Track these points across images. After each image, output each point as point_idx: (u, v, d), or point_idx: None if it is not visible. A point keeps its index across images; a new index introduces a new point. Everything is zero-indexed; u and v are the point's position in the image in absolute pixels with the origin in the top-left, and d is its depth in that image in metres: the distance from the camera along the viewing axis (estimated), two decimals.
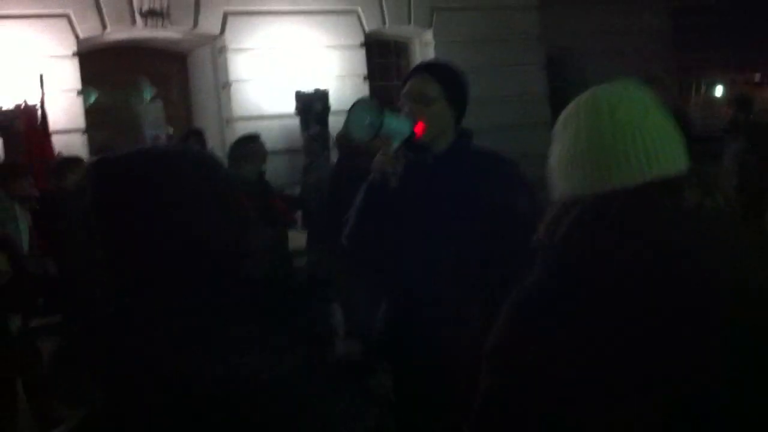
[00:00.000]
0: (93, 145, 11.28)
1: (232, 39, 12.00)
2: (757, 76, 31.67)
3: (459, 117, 2.92)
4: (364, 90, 12.86)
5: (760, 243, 1.44)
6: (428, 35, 13.71)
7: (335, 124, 8.32)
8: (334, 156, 8.92)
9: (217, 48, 12.22)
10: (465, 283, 2.66)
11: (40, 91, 8.60)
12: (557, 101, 12.38)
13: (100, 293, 1.15)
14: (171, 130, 9.95)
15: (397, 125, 2.71)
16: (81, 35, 11.01)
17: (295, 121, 11.75)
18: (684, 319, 1.28)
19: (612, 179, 1.39)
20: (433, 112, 2.79)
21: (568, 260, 1.37)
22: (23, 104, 8.76)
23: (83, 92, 11.23)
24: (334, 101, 11.89)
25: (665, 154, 1.39)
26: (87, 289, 1.18)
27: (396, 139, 2.69)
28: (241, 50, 12.05)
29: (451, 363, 2.47)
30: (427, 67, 2.95)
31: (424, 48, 13.85)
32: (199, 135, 8.38)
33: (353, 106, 2.72)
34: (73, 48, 10.98)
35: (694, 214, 1.34)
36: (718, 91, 22.13)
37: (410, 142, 2.75)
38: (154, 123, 9.47)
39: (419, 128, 2.75)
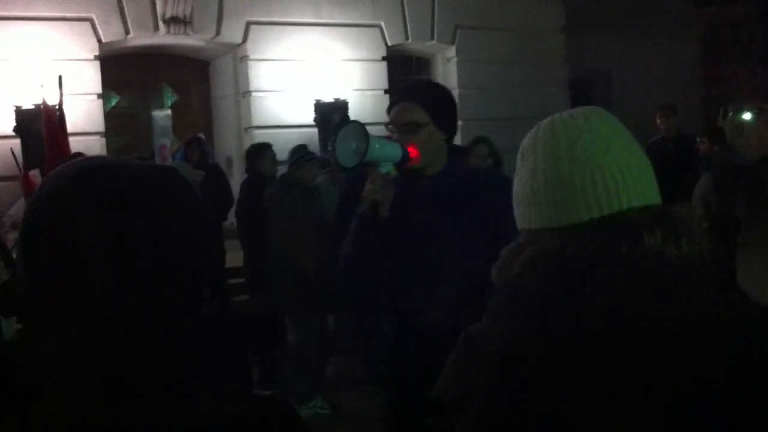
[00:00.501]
0: (111, 149, 11.34)
1: (253, 48, 12.04)
2: None
3: (450, 136, 2.81)
4: (383, 103, 12.80)
5: (726, 300, 1.27)
6: (451, 52, 13.67)
7: None
8: None
9: (238, 57, 12.27)
10: (467, 306, 2.58)
11: (59, 92, 8.62)
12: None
13: (98, 295, 1.09)
14: (174, 140, 9.89)
15: (386, 151, 2.60)
16: (104, 39, 11.09)
17: (314, 131, 11.73)
18: (621, 390, 1.17)
19: (568, 219, 1.30)
20: (422, 138, 2.69)
21: (518, 306, 1.28)
22: (42, 104, 8.78)
23: (104, 96, 11.30)
24: (353, 114, 11.87)
25: (628, 193, 1.29)
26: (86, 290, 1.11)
27: (385, 166, 2.59)
28: (262, 60, 12.09)
29: None
30: (410, 93, 2.80)
31: (446, 64, 13.83)
32: (199, 142, 8.37)
33: (340, 131, 2.62)
34: (95, 52, 11.06)
35: (652, 263, 1.23)
36: (746, 116, 21.97)
37: (405, 168, 2.67)
38: (161, 132, 9.44)
39: (413, 154, 2.65)
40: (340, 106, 11.76)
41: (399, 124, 2.73)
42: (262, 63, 12.10)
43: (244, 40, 12.02)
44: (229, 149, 12.62)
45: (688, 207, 1.31)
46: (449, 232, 2.67)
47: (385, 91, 12.90)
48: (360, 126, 2.58)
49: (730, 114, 24.65)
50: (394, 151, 2.62)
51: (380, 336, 3.00)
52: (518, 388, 1.21)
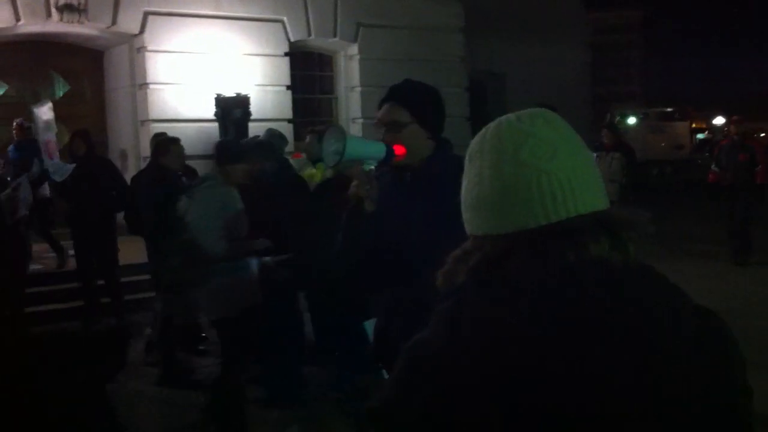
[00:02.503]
0: None
1: (151, 39, 11.70)
2: (670, 111, 33.00)
3: (435, 131, 2.99)
4: (286, 99, 12.73)
5: (672, 305, 1.27)
6: (353, 49, 13.68)
7: (255, 131, 8.18)
8: None
9: (135, 47, 11.91)
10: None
11: None
12: (478, 124, 12.44)
13: None
14: (61, 132, 9.46)
15: (367, 150, 2.80)
16: None
17: (214, 126, 11.52)
18: (561, 403, 1.16)
19: (513, 226, 1.28)
20: (405, 136, 2.89)
21: (460, 315, 1.25)
22: None
23: None
24: (254, 109, 11.71)
25: (575, 199, 1.27)
26: None
27: (369, 164, 2.79)
28: (160, 51, 11.76)
29: None
30: (394, 94, 2.98)
31: (348, 62, 13.82)
32: (84, 136, 8.07)
33: (325, 133, 2.82)
34: None
35: (597, 272, 1.22)
36: (631, 120, 22.85)
37: (390, 164, 2.87)
38: (45, 126, 8.99)
39: (399, 151, 2.85)
40: (242, 101, 11.58)
41: (384, 123, 2.92)
42: (160, 54, 11.77)
43: (142, 31, 11.67)
44: (124, 142, 12.25)
45: (635, 210, 1.29)
46: (427, 220, 2.79)
47: (288, 87, 12.79)
48: (340, 129, 2.79)
49: (617, 118, 25.62)
50: (377, 149, 2.80)
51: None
52: (452, 400, 1.19)
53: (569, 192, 1.26)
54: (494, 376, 1.17)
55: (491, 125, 1.36)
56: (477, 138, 1.38)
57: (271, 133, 6.66)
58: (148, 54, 11.70)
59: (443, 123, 3.02)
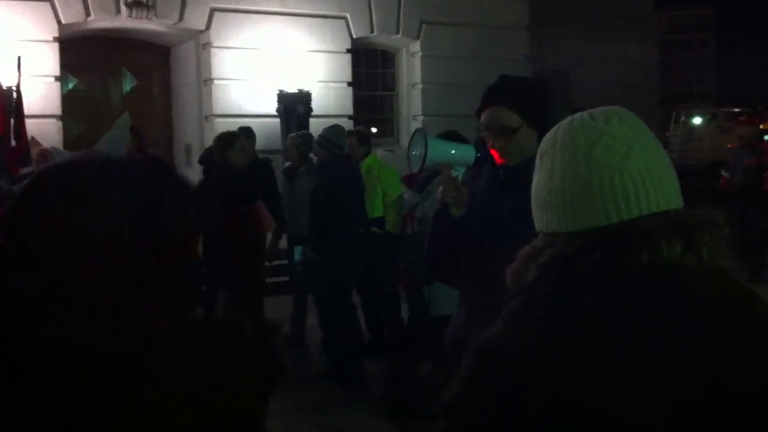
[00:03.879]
0: (67, 133, 11.11)
1: (217, 36, 11.88)
2: (738, 111, 32.09)
3: (543, 131, 2.79)
4: (347, 96, 12.79)
5: (743, 313, 1.24)
6: (416, 46, 13.65)
7: (316, 127, 8.23)
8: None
9: (201, 43, 12.09)
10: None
11: (17, 73, 8.39)
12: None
13: None
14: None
15: (454, 155, 2.70)
16: (63, 20, 10.84)
17: (276, 122, 11.62)
18: (633, 401, 1.15)
19: (586, 224, 1.27)
20: (517, 140, 2.71)
21: (533, 313, 1.25)
22: None
23: (61, 79, 11.05)
24: (316, 105, 11.78)
25: (647, 198, 1.25)
26: None
27: (458, 169, 2.71)
28: (225, 48, 11.93)
29: None
30: (500, 96, 2.76)
31: (410, 59, 13.80)
32: (136, 132, 8.17)
33: (411, 135, 2.78)
34: (55, 33, 10.80)
35: (669, 275, 1.20)
36: (697, 121, 22.31)
37: (494, 167, 2.77)
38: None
39: (500, 161, 2.73)
40: (304, 98, 11.66)
41: (492, 127, 2.73)
42: (225, 51, 11.94)
43: (208, 27, 11.85)
44: (189, 137, 12.45)
45: (712, 211, 1.24)
46: (515, 216, 2.63)
47: (349, 84, 12.84)
48: (423, 132, 2.70)
49: (683, 118, 25.03)
50: (465, 155, 2.70)
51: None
52: (522, 394, 1.19)
53: (642, 190, 1.25)
54: (561, 374, 1.17)
55: (563, 123, 1.36)
56: (549, 136, 1.38)
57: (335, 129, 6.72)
58: (213, 50, 11.87)
59: (548, 117, 2.75)
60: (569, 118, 1.36)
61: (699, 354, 1.17)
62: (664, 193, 1.27)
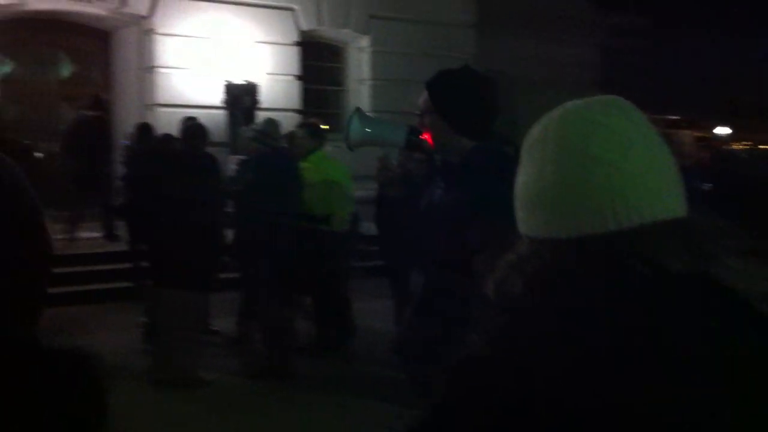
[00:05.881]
0: (5, 118, 10.69)
1: (160, 22, 11.54)
2: (678, 119, 32.91)
3: (461, 127, 2.74)
4: (295, 89, 12.58)
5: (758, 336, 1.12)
6: (364, 41, 13.52)
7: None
8: None
9: (144, 29, 11.73)
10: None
11: None
12: None
13: None
14: None
15: (382, 134, 2.76)
16: (1, 1, 10.39)
17: (222, 113, 11.36)
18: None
19: (578, 230, 1.11)
20: (427, 123, 2.80)
21: (528, 332, 1.10)
22: None
23: None
24: (264, 97, 11.57)
25: (651, 201, 1.10)
26: None
27: (389, 149, 2.78)
28: (170, 35, 11.60)
29: None
30: (431, 79, 2.85)
31: (359, 54, 13.66)
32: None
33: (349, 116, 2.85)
34: None
35: (679, 294, 1.08)
36: None
37: (419, 148, 2.86)
38: None
39: (429, 140, 2.79)
40: (251, 89, 11.44)
41: (422, 107, 2.81)
42: (170, 38, 11.62)
43: (151, 13, 11.51)
44: (131, 126, 12.07)
45: (723, 222, 1.07)
46: (432, 212, 2.77)
47: (297, 77, 12.63)
48: (356, 112, 2.76)
49: None
50: (396, 135, 2.75)
51: None
52: (521, 418, 1.05)
53: (645, 194, 1.10)
54: (560, 399, 1.03)
55: (554, 112, 1.18)
56: (537, 126, 1.19)
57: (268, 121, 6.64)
58: (157, 37, 11.54)
59: (482, 118, 2.76)
60: (560, 107, 1.18)
61: (707, 373, 1.06)
62: (667, 198, 1.12)
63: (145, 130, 8.93)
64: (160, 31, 11.54)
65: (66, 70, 12.16)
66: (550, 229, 1.14)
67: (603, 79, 20.74)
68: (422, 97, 2.80)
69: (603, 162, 1.10)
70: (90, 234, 10.11)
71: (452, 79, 2.79)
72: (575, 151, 1.12)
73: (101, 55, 12.49)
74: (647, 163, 1.12)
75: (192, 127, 6.87)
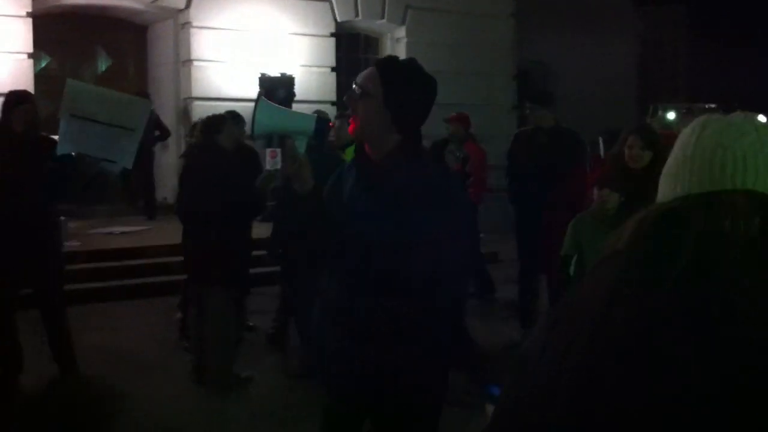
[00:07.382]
0: (41, 114, 10.71)
1: (196, 15, 11.52)
2: (712, 107, 32.37)
3: (400, 121, 2.47)
4: (330, 81, 12.50)
5: None
6: (400, 32, 13.40)
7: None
8: None
9: (180, 23, 11.71)
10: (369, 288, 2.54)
11: None
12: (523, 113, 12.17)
13: None
14: None
15: (288, 123, 2.54)
16: None
17: None
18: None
19: (675, 192, 1.30)
20: (360, 107, 2.48)
21: (624, 276, 1.19)
22: None
23: (34, 56, 10.63)
24: (299, 90, 11.49)
25: (745, 174, 1.25)
26: None
27: (298, 139, 2.46)
28: (205, 28, 11.57)
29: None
30: (382, 61, 2.60)
31: (395, 45, 13.54)
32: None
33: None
34: (28, 8, 10.39)
35: (739, 249, 1.17)
36: (671, 116, 22.53)
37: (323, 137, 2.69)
38: None
39: (351, 125, 2.52)
40: (286, 82, 11.35)
41: (354, 84, 2.51)
42: (205, 31, 11.59)
43: (187, 6, 11.48)
44: (166, 120, 12.08)
45: None
46: (362, 214, 2.47)
47: (332, 69, 12.54)
48: (260, 100, 2.53)
49: (659, 112, 25.15)
50: (304, 123, 2.50)
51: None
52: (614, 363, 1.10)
53: (741, 168, 1.25)
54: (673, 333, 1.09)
55: (695, 124, 1.36)
56: (685, 132, 1.38)
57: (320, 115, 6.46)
58: (193, 30, 11.51)
59: (414, 110, 2.52)
60: (698, 120, 1.35)
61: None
62: (761, 176, 1.26)
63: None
64: (196, 24, 11.51)
65: (103, 65, 12.19)
66: (663, 194, 1.32)
67: (641, 70, 20.49)
68: (366, 76, 2.49)
69: (713, 141, 1.28)
70: (131, 228, 10.10)
71: (405, 69, 2.53)
72: (696, 136, 1.31)
73: (137, 49, 12.51)
74: (753, 149, 1.27)
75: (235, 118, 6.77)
